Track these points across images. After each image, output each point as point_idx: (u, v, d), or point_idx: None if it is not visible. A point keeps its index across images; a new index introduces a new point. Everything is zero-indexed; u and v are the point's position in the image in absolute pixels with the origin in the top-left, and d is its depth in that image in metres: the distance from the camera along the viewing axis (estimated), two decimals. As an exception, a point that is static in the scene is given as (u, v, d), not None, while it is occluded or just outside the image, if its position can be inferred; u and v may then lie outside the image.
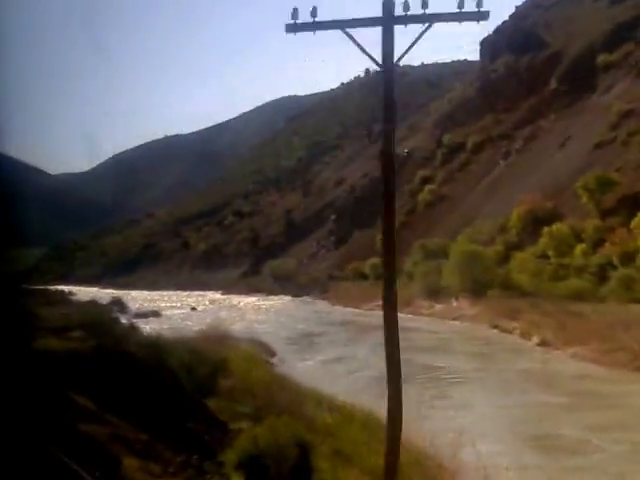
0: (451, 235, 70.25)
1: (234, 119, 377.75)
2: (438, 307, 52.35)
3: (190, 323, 47.70)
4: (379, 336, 8.68)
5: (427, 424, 13.49)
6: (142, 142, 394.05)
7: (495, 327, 39.59)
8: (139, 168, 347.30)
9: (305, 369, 28.18)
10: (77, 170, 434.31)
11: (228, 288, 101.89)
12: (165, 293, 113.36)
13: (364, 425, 13.41)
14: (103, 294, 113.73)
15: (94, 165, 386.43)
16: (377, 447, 10.06)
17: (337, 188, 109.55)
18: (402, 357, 8.15)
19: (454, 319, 46.77)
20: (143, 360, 9.39)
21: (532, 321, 35.83)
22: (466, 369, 27.05)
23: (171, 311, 74.39)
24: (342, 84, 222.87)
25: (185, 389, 10.11)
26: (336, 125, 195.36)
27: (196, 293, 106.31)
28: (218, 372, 12.58)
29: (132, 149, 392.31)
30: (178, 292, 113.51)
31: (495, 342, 35.62)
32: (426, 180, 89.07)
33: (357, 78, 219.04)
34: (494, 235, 61.09)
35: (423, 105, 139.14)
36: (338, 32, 7.91)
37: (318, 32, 7.88)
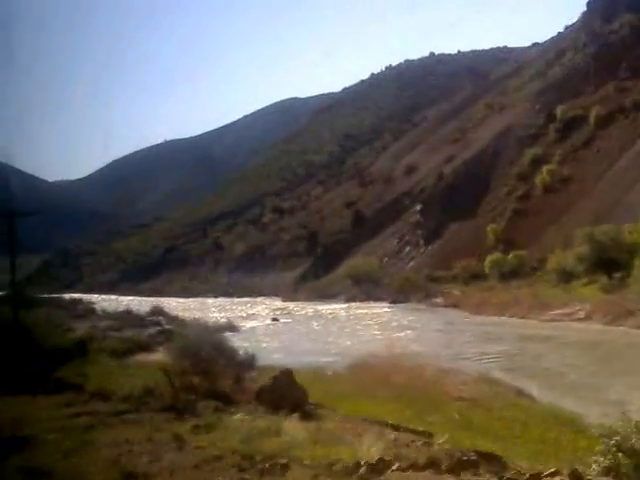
0: (593, 223, 54.69)
1: (234, 123, 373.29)
2: None
3: (309, 346, 39.31)
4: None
5: None
6: (141, 147, 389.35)
7: None
8: (138, 173, 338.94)
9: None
10: (75, 176, 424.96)
11: (287, 293, 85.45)
12: (208, 301, 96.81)
13: None
14: (129, 302, 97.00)
15: (92, 171, 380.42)
16: None
17: (409, 176, 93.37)
18: None
19: None
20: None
21: None
22: None
23: (245, 323, 58.38)
24: (372, 74, 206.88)
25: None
26: (369, 116, 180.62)
27: (246, 300, 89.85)
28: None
29: (131, 154, 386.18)
30: (221, 299, 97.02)
31: None
32: (539, 160, 72.92)
33: (389, 68, 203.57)
34: None
35: (494, 83, 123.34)
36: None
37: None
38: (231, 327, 53.47)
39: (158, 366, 33.54)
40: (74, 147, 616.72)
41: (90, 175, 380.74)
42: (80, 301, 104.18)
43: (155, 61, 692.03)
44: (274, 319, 58.88)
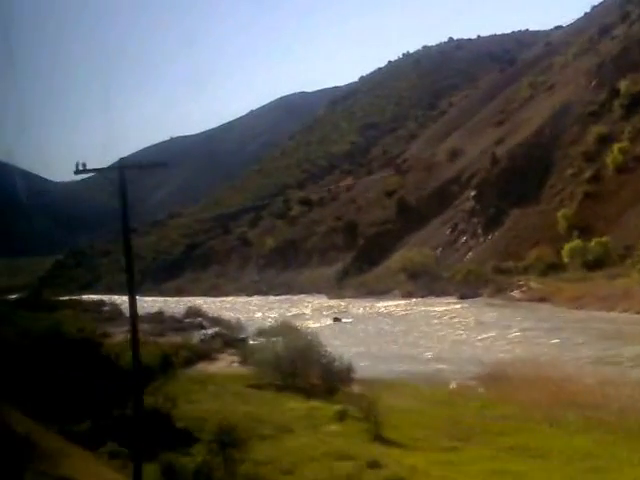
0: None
1: (240, 118, 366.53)
2: None
3: (394, 350, 37.04)
4: None
5: None
6: (148, 145, 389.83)
7: None
8: (145, 171, 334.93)
9: None
10: (81, 176, 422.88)
11: (331, 290, 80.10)
12: (241, 300, 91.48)
13: None
14: (155, 303, 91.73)
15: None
16: None
17: (453, 162, 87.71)
18: None
19: None
20: None
21: None
22: None
23: (303, 324, 53.17)
24: (389, 62, 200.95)
25: None
26: (390, 105, 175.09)
27: (284, 299, 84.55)
28: None
29: (138, 152, 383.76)
30: (256, 298, 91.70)
31: None
32: (606, 138, 67.31)
33: (406, 55, 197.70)
34: None
35: (528, 64, 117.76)
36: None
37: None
38: (285, 331, 48.21)
39: (241, 381, 27.75)
40: (78, 146, 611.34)
41: (96, 175, 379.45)
42: (103, 302, 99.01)
43: (158, 58, 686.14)
44: (336, 319, 53.66)
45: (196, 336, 51.63)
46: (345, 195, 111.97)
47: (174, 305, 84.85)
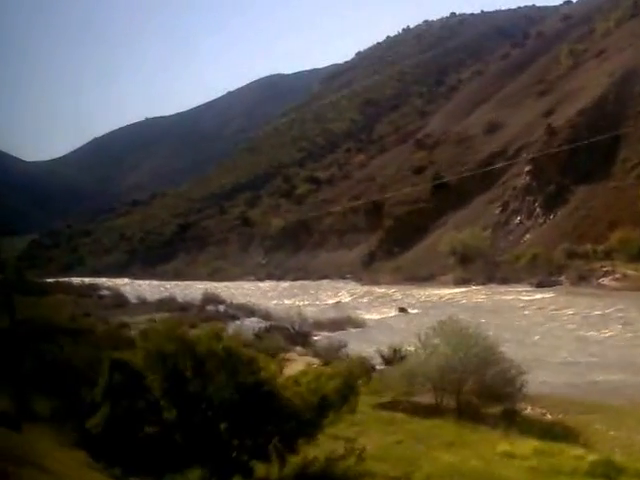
0: None
1: (217, 99, 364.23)
2: None
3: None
4: None
5: None
6: (122, 125, 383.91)
7: None
8: (120, 152, 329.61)
9: None
10: (54, 155, 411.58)
11: (360, 275, 71.37)
12: (248, 285, 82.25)
13: None
14: (149, 287, 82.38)
15: (72, 150, 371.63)
16: None
17: (493, 135, 79.03)
18: None
19: None
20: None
21: None
22: None
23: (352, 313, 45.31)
24: (388, 37, 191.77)
25: None
26: (391, 81, 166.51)
27: (303, 284, 75.51)
28: None
29: (112, 132, 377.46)
30: (269, 283, 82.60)
31: None
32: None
33: (406, 30, 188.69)
34: None
35: (554, 36, 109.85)
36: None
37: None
38: (352, 321, 40.14)
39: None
40: (49, 126, 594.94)
41: (68, 154, 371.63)
42: (96, 286, 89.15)
43: (133, 37, 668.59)
44: (402, 309, 44.73)
45: (233, 327, 43.12)
46: (359, 173, 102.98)
47: (178, 290, 75.97)
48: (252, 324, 43.20)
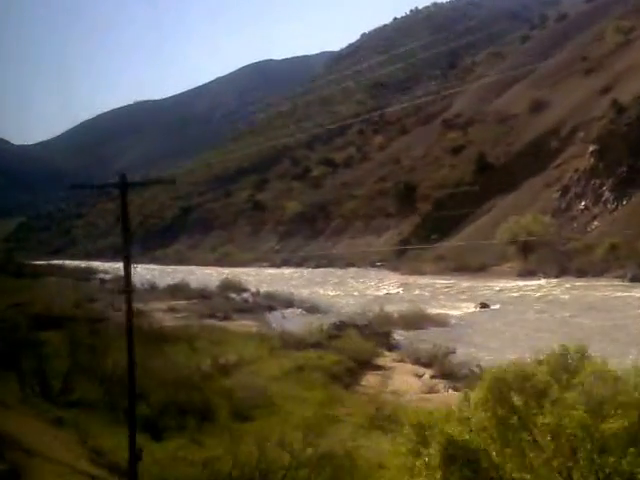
0: None
1: (208, 84, 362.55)
2: None
3: None
4: None
5: None
6: (111, 108, 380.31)
7: None
8: (109, 135, 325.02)
9: None
10: (41, 139, 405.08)
11: (391, 263, 65.05)
12: (271, 271, 75.48)
13: None
14: (153, 272, 75.50)
15: (60, 133, 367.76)
16: None
17: (540, 114, 72.49)
18: None
19: None
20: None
21: None
22: None
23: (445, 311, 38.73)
24: (395, 19, 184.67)
25: None
26: (399, 63, 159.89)
27: (328, 271, 68.92)
28: None
29: (100, 115, 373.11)
30: (287, 269, 75.95)
31: None
32: None
33: (414, 12, 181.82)
34: None
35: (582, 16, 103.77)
36: None
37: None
38: (431, 319, 33.65)
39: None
40: (37, 109, 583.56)
41: (55, 138, 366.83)
42: (91, 270, 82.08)
43: (123, 20, 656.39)
44: (483, 305, 38.13)
45: (276, 320, 36.86)
46: (380, 155, 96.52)
47: (181, 275, 69.18)
48: (296, 316, 36.82)
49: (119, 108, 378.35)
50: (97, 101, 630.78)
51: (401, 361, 24.53)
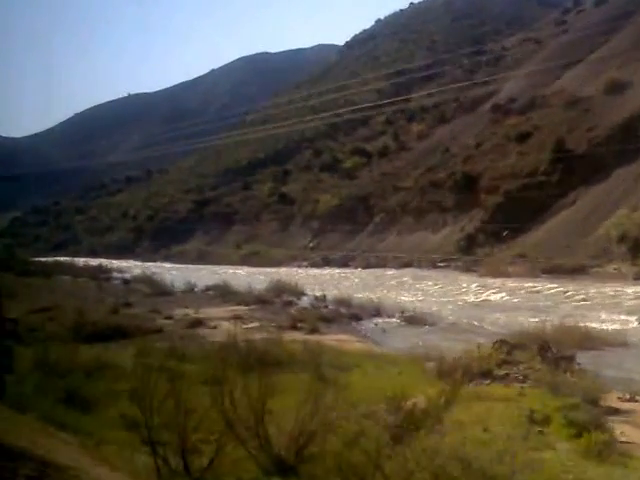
0: None
1: (202, 77, 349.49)
2: None
3: None
4: None
5: None
6: (104, 101, 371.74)
7: None
8: (102, 128, 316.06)
9: None
10: (32, 131, 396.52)
11: (457, 263, 56.92)
12: (315, 271, 67.17)
13: None
14: (173, 272, 67.70)
15: (51, 126, 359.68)
16: None
17: (621, 95, 64.23)
18: None
19: None
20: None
21: None
22: None
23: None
24: (411, 4, 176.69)
25: None
26: (421, 49, 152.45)
27: (390, 273, 60.46)
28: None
29: (93, 108, 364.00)
30: (333, 270, 67.64)
31: None
32: None
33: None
34: None
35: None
36: None
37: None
38: (601, 337, 25.14)
39: None
40: (27, 101, 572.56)
41: (46, 130, 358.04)
42: (105, 269, 74.02)
43: (116, 12, 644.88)
44: (657, 315, 30.02)
45: (374, 334, 28.39)
46: (421, 144, 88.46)
47: (206, 274, 61.25)
48: (396, 328, 29.16)
49: (112, 101, 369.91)
50: (90, 93, 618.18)
51: (632, 400, 16.32)
